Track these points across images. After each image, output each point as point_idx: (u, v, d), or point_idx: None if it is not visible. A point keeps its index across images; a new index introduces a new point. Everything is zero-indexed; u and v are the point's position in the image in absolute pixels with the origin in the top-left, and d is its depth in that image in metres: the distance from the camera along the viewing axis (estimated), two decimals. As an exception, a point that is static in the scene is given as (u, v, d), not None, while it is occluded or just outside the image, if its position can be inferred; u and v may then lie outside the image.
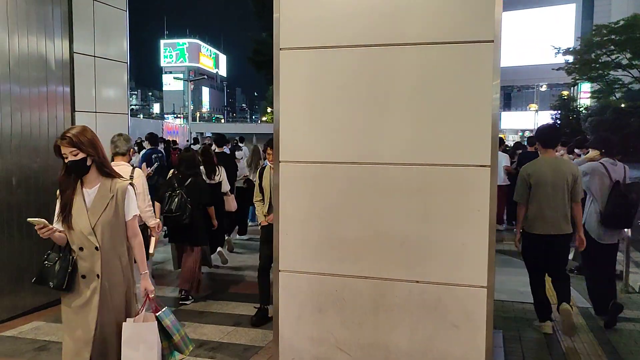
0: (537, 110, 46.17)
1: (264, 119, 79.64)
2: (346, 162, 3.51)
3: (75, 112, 5.41)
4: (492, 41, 3.20)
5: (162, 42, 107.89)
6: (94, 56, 5.69)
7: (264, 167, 5.20)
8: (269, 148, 5.12)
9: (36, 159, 5.02)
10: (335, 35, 3.47)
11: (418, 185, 3.39)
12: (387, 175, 3.44)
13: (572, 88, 40.21)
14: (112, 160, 4.73)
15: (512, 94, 56.98)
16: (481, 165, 3.29)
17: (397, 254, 3.45)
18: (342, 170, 3.52)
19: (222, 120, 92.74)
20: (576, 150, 8.34)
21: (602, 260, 5.13)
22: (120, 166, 4.60)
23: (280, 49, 3.56)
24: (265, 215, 5.11)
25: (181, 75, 79.48)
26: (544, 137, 4.89)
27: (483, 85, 3.23)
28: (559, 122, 30.82)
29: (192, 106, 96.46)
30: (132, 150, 4.96)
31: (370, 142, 3.46)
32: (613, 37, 24.81)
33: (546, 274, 4.92)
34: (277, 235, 3.65)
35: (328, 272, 3.57)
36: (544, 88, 49.92)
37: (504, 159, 9.87)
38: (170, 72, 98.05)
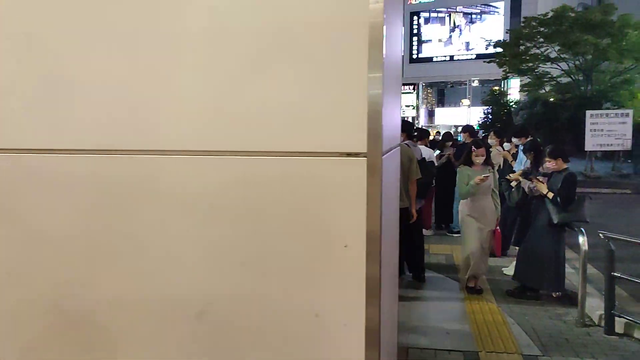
0: (469, 106, 46.23)
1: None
2: (68, 151, 1.75)
3: None
4: None
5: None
6: None
7: None
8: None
9: None
10: None
11: (225, 193, 1.68)
12: (164, 176, 1.70)
13: (502, 83, 40.36)
14: None
15: (446, 91, 57.16)
16: (349, 154, 1.62)
17: (190, 334, 1.71)
18: (59, 164, 1.74)
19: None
20: (514, 140, 7.03)
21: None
22: None
23: None
24: None
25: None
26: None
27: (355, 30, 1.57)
28: (490, 116, 30.43)
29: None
30: None
31: (131, 111, 1.72)
32: (542, 29, 24.33)
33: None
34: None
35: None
36: (475, 83, 50.11)
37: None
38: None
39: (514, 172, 6.25)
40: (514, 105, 29.81)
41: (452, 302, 5.16)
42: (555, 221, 4.87)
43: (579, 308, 4.55)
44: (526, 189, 5.60)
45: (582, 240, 4.50)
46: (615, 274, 4.25)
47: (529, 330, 4.40)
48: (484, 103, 34.63)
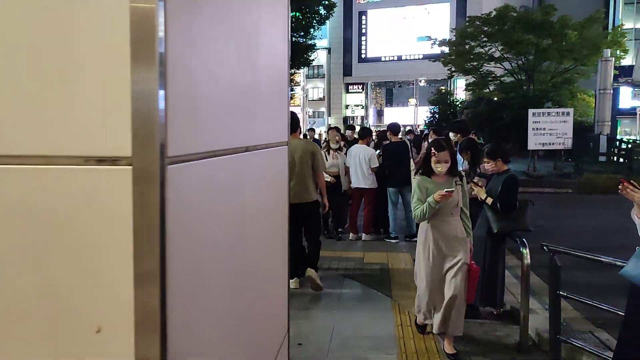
0: (416, 105, 46.55)
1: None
2: None
3: None
4: None
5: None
6: None
7: None
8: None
9: None
10: None
11: None
12: None
13: (448, 82, 40.75)
14: None
15: (394, 90, 57.46)
16: (102, 160, 0.86)
17: None
18: None
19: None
20: (451, 136, 6.47)
21: None
22: None
23: None
24: None
25: None
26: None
27: None
28: (436, 115, 30.49)
29: None
30: None
31: None
32: (485, 28, 24.41)
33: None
34: None
35: None
36: (422, 83, 50.50)
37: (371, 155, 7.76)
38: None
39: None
40: (459, 105, 29.98)
41: (380, 324, 4.50)
42: (495, 230, 4.28)
43: (521, 330, 3.97)
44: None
45: (525, 252, 3.92)
46: (561, 292, 3.69)
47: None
48: (431, 102, 34.88)
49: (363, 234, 7.93)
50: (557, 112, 15.20)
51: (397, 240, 7.74)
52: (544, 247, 3.75)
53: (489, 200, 4.34)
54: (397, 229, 7.90)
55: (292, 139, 6.07)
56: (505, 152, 4.53)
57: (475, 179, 4.89)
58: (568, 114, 14.88)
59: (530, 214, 4.32)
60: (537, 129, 14.87)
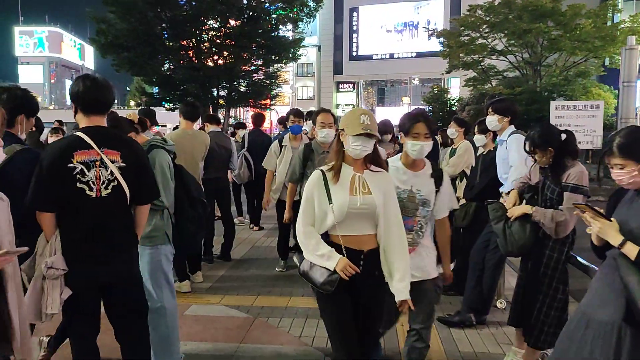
0: (410, 104, 44.56)
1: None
2: None
3: None
4: None
5: (17, 29, 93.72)
6: None
7: None
8: None
9: None
10: None
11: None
12: None
13: (442, 81, 38.99)
14: None
15: (386, 89, 55.58)
16: None
17: None
18: None
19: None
20: (490, 120, 4.11)
21: None
22: None
23: None
24: None
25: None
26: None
27: None
28: (431, 114, 28.51)
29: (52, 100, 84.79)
30: None
31: None
32: (489, 17, 22.19)
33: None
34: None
35: None
36: (416, 82, 48.50)
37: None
38: (28, 63, 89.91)
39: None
40: (456, 103, 28.13)
41: None
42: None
43: None
44: (548, 226, 2.71)
45: None
46: None
47: None
48: (425, 101, 33.27)
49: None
50: (584, 105, 12.89)
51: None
52: None
53: (632, 251, 2.00)
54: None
55: (187, 128, 5.23)
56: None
57: (579, 199, 2.58)
58: (597, 107, 12.58)
59: None
60: (560, 125, 12.60)
